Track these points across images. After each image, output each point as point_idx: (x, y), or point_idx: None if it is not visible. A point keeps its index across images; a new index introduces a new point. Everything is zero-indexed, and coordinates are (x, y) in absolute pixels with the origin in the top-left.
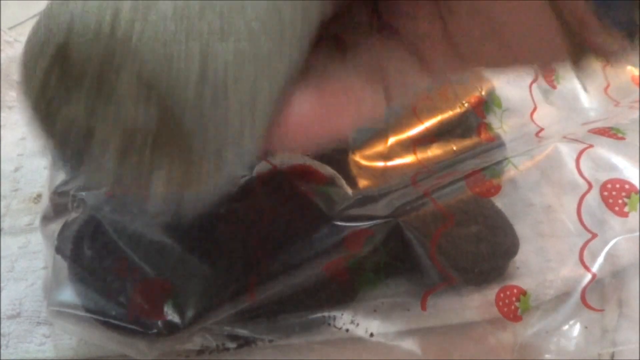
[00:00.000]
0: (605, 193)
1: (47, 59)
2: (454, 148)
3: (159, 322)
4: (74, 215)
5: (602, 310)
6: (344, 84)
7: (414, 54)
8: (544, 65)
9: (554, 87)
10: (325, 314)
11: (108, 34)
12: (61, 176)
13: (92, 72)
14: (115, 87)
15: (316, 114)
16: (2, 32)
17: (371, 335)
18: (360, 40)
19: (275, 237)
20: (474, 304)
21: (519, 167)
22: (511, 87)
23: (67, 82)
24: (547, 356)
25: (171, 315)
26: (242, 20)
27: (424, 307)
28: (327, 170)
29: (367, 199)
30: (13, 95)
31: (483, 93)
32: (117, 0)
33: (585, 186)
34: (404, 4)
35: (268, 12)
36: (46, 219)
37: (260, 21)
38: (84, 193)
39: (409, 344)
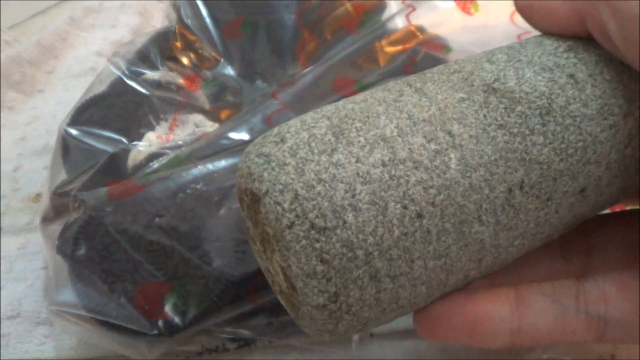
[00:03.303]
0: None
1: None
2: None
3: (160, 323)
4: (74, 215)
5: None
6: None
7: None
8: None
9: None
10: None
11: None
12: (61, 176)
13: None
14: None
15: None
16: (2, 32)
17: (371, 335)
18: None
19: None
20: None
21: None
22: None
23: None
24: (544, 356)
25: (172, 316)
26: None
27: None
28: None
29: None
30: (13, 95)
31: None
32: None
33: None
34: None
35: None
36: (46, 219)
37: None
38: (84, 193)
39: (410, 344)
